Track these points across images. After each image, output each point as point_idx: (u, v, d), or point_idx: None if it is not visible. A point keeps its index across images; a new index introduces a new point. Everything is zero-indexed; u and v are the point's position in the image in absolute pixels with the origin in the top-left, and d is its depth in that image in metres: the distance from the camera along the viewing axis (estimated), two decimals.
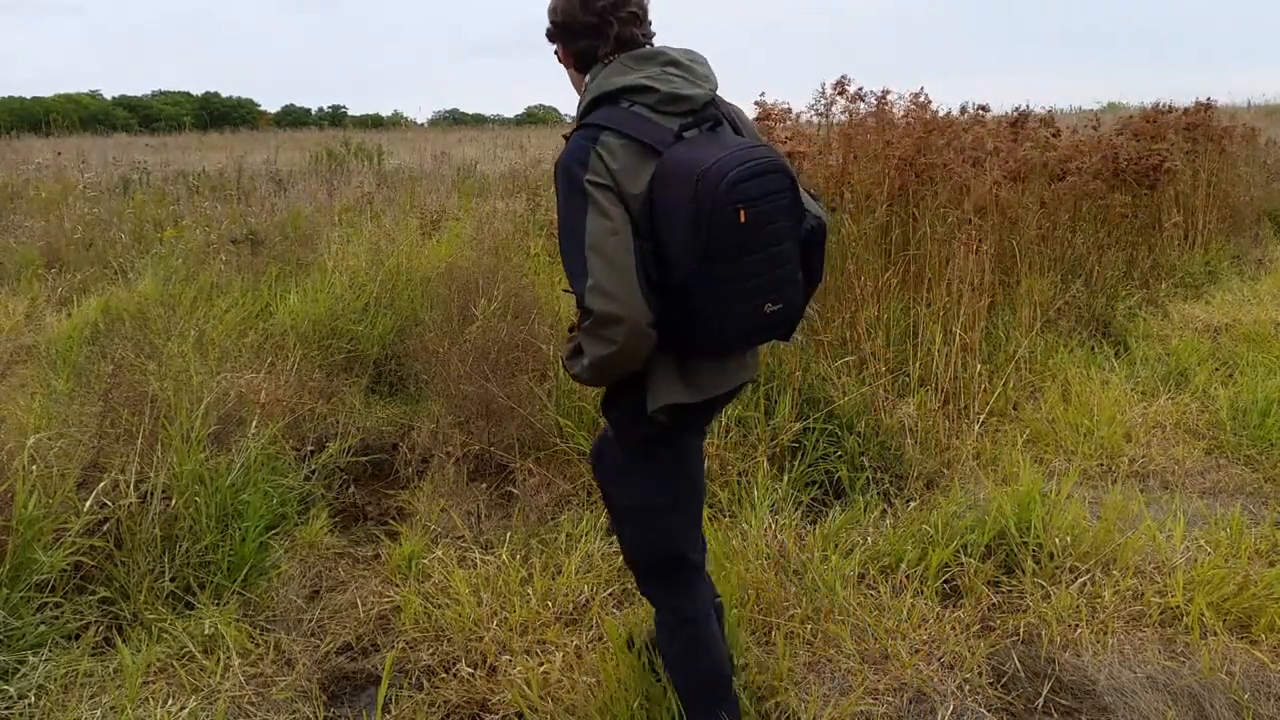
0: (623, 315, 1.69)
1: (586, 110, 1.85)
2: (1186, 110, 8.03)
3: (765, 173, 1.76)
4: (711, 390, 1.91)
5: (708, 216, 1.68)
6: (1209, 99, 8.15)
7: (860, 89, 4.68)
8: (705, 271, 1.72)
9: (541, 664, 2.55)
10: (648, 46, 1.90)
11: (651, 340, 1.75)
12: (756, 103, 4.26)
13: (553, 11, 1.92)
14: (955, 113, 5.61)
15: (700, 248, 1.70)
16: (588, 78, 1.88)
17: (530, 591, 2.90)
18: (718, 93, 1.92)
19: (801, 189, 1.94)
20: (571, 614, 2.83)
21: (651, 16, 1.93)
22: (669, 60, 1.86)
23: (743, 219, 1.71)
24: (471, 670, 2.59)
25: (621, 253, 1.71)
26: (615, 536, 2.16)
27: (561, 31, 1.92)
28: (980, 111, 5.77)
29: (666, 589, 2.07)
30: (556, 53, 1.98)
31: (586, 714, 2.33)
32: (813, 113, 4.69)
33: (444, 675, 2.61)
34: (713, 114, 1.86)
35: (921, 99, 5.21)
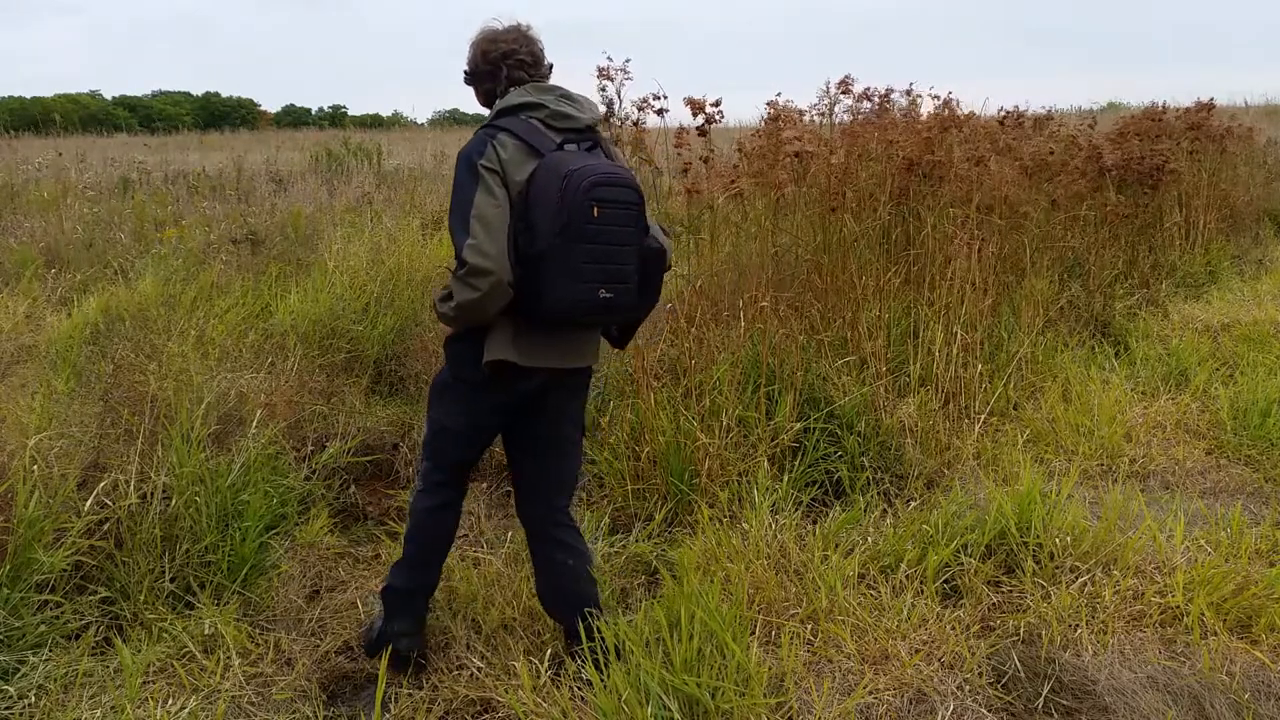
0: (492, 269, 2.19)
1: (492, 119, 2.37)
2: (1188, 110, 8.02)
3: (618, 185, 2.27)
4: (540, 360, 2.36)
5: (569, 204, 2.19)
6: (1210, 99, 8.15)
7: (867, 88, 4.69)
8: (561, 244, 2.20)
9: (538, 665, 2.54)
10: (549, 82, 2.45)
11: (507, 297, 2.23)
12: (769, 104, 4.26)
13: (467, 63, 2.50)
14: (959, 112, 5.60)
15: (561, 225, 2.19)
16: (501, 100, 2.40)
17: (530, 591, 2.90)
18: (598, 126, 2.48)
19: (652, 220, 2.47)
20: None
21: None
22: (563, 93, 2.41)
23: (595, 214, 2.21)
24: (477, 669, 2.59)
25: (499, 223, 2.22)
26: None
27: (471, 77, 2.51)
28: (944, 102, 5.75)
29: (428, 468, 2.60)
30: (477, 91, 2.52)
31: (580, 716, 2.33)
32: (815, 112, 4.70)
33: (444, 674, 2.61)
34: (591, 137, 2.41)
35: (932, 93, 5.24)
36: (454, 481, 2.62)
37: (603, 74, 3.23)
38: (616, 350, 2.74)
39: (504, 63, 2.43)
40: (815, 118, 4.76)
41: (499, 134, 2.29)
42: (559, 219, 2.19)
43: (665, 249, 2.49)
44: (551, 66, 2.50)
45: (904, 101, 5.24)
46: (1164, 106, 8.04)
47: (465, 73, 2.52)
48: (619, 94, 3.27)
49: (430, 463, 2.61)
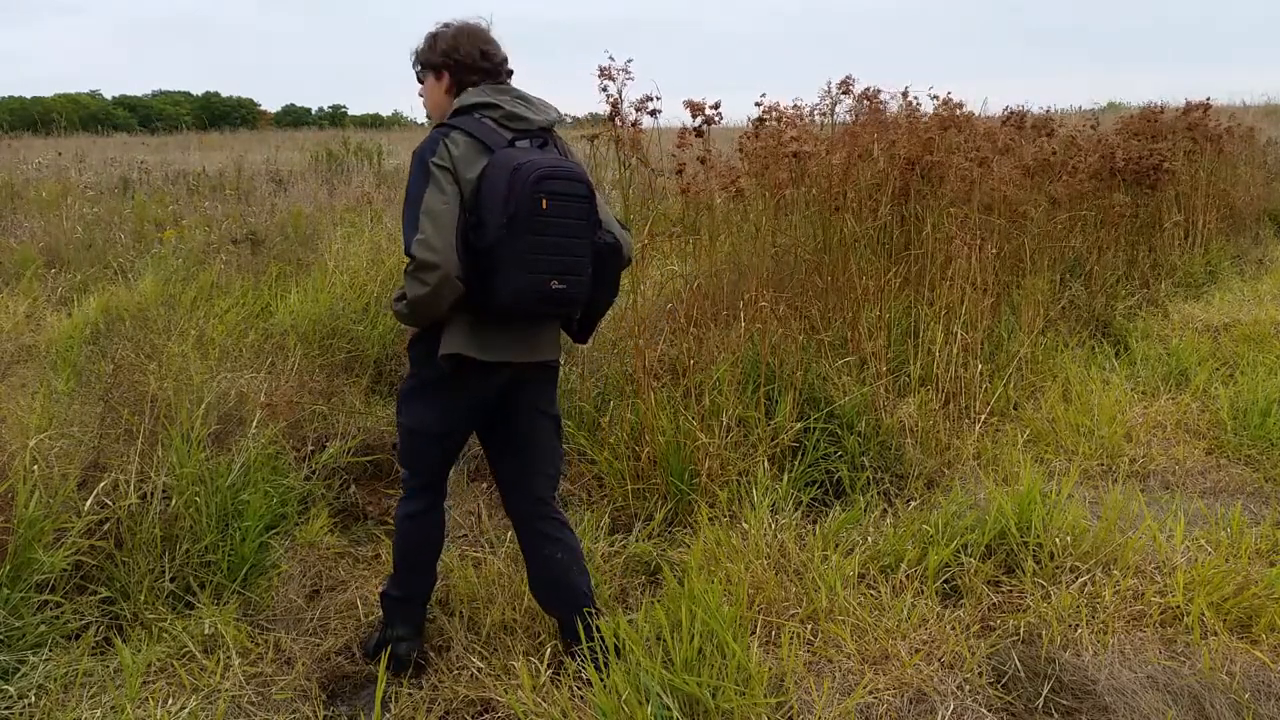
0: (439, 263, 2.22)
1: (447, 118, 2.39)
2: (1185, 110, 8.02)
3: (567, 178, 2.30)
4: (499, 354, 2.38)
5: (517, 195, 2.22)
6: (1207, 98, 8.14)
7: (868, 88, 4.68)
8: (510, 237, 2.23)
9: (538, 665, 2.54)
10: (508, 84, 2.49)
11: (457, 290, 2.26)
12: (757, 103, 4.25)
13: (453, 50, 2.45)
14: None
15: (508, 218, 2.22)
16: (458, 100, 2.42)
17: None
18: (555, 128, 2.51)
19: (610, 215, 2.51)
20: None
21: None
22: (519, 95, 2.45)
23: (544, 206, 2.24)
24: (476, 669, 2.59)
25: (447, 219, 2.24)
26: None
27: (456, 67, 2.46)
28: (945, 102, 5.75)
29: (407, 480, 2.63)
30: (434, 76, 2.49)
31: (579, 715, 2.33)
32: (817, 112, 4.69)
33: (444, 674, 2.61)
34: (543, 136, 2.43)
35: (932, 93, 5.25)
36: (432, 485, 2.63)
37: (604, 74, 3.22)
38: (616, 350, 2.75)
39: (463, 63, 2.45)
40: (818, 118, 4.76)
41: (451, 132, 2.32)
42: (506, 210, 2.22)
43: (621, 243, 2.49)
44: (512, 72, 2.53)
45: (894, 104, 5.24)
46: (1161, 107, 8.05)
47: (454, 62, 2.47)
48: (620, 94, 3.26)
49: (405, 470, 2.64)
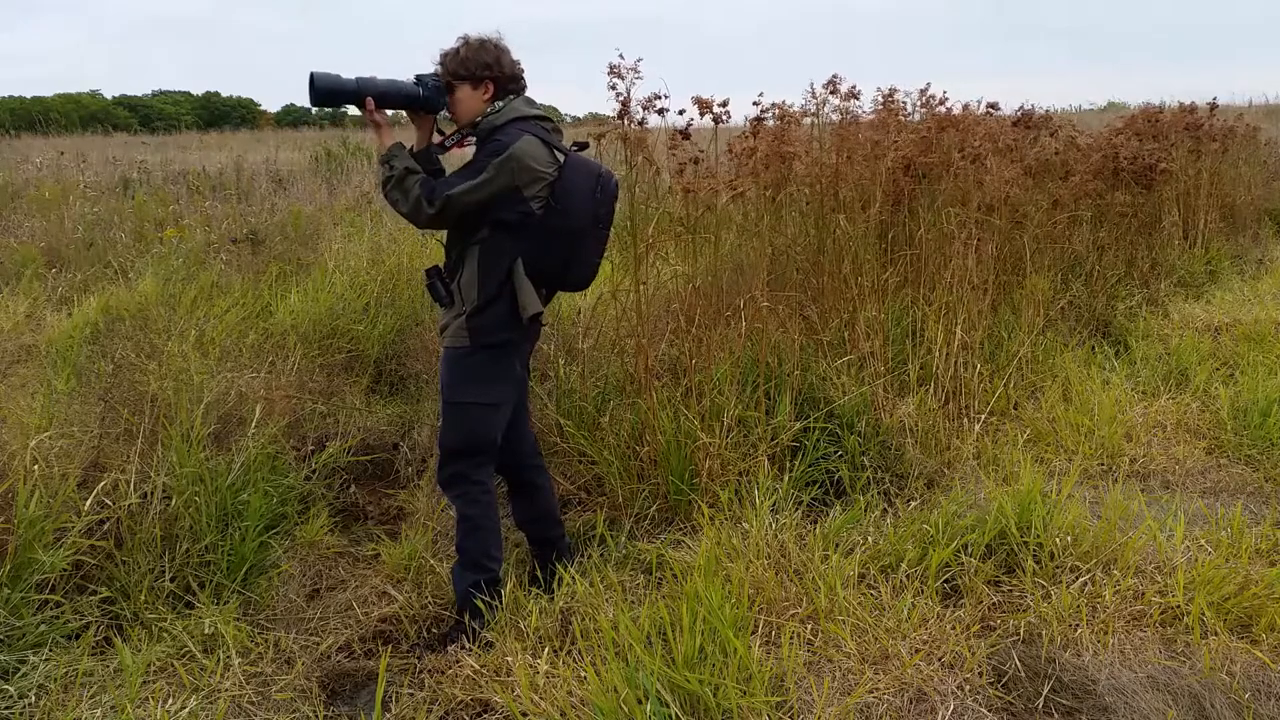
0: (417, 222, 2.66)
1: (516, 120, 2.68)
2: (1190, 108, 8.00)
3: (618, 186, 2.87)
4: (541, 307, 2.75)
5: (604, 198, 2.76)
6: (1214, 99, 8.12)
7: (853, 88, 4.64)
8: (600, 229, 2.79)
9: (537, 664, 2.54)
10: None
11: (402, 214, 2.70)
12: (755, 102, 4.22)
13: (497, 64, 2.69)
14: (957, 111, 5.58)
15: (596, 214, 2.75)
16: (498, 104, 2.71)
17: (529, 591, 2.90)
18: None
19: None
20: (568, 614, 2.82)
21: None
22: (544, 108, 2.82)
23: (613, 206, 2.82)
24: (474, 669, 2.59)
25: (456, 214, 2.64)
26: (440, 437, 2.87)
27: (500, 79, 2.70)
28: (990, 110, 5.73)
29: (470, 469, 2.79)
30: (472, 86, 2.69)
31: (578, 715, 2.33)
32: (806, 114, 4.67)
33: (444, 674, 2.61)
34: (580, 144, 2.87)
35: (929, 93, 5.22)
36: (494, 461, 2.87)
37: (614, 72, 3.20)
38: (617, 350, 2.96)
39: (507, 74, 2.72)
40: (809, 120, 4.73)
41: (531, 135, 2.63)
42: (598, 209, 2.73)
43: None
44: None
45: (909, 101, 5.21)
46: (1161, 106, 8.04)
47: (501, 74, 2.69)
48: (629, 93, 3.23)
49: (480, 454, 2.80)
